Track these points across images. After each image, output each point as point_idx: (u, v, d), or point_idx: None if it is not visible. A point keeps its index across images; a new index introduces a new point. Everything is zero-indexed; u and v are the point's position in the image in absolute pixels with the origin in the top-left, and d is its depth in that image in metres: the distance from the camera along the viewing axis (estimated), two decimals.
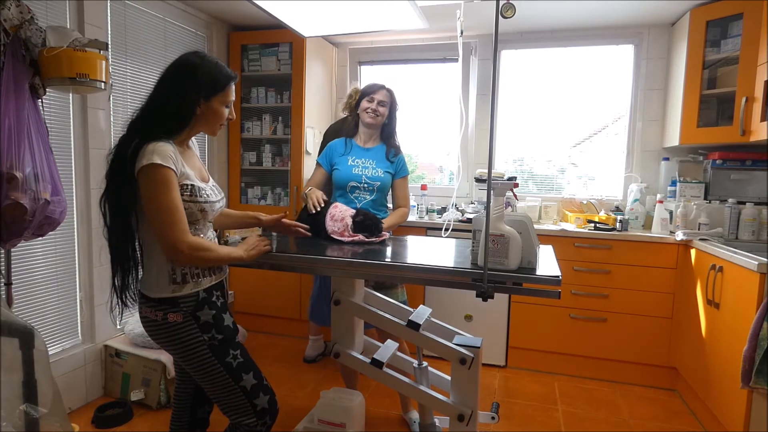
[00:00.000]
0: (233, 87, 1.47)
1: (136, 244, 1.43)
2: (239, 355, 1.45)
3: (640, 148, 3.26)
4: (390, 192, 2.39)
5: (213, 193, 1.48)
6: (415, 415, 2.35)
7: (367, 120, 2.28)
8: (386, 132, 2.35)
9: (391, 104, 2.31)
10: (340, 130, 2.60)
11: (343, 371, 2.34)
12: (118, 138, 1.39)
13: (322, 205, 2.04)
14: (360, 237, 1.92)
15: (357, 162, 2.29)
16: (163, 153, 1.30)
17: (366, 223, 1.93)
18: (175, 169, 1.33)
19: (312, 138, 3.40)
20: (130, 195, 1.33)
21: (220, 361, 1.41)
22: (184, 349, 1.39)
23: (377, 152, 2.33)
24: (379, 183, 2.27)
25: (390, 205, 2.44)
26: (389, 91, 2.30)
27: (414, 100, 3.67)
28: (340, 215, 1.97)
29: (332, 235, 1.94)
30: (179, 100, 1.37)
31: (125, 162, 1.32)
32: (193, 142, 1.56)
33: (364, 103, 2.27)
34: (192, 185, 1.39)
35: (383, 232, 1.98)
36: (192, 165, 1.45)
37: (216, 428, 1.71)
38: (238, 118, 3.46)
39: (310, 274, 3.00)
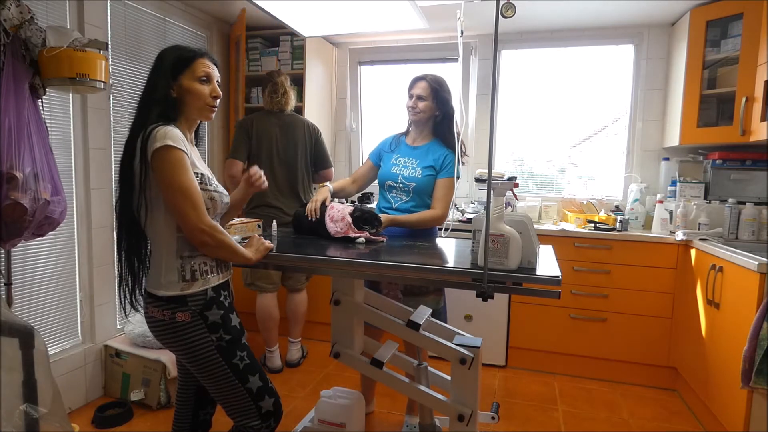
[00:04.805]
0: (203, 62, 1.41)
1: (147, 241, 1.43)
2: (246, 356, 1.44)
3: (640, 148, 3.26)
4: None
5: (221, 187, 1.49)
6: (414, 420, 2.32)
7: (410, 117, 2.16)
8: (440, 129, 2.12)
9: (435, 96, 2.07)
10: None
11: (363, 379, 2.35)
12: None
13: (319, 215, 1.98)
14: (366, 234, 1.88)
15: (399, 161, 2.14)
16: (174, 136, 1.31)
17: (364, 216, 1.91)
18: (186, 151, 1.33)
19: None
20: (138, 183, 1.32)
21: (227, 363, 1.40)
22: (191, 349, 1.38)
23: (425, 151, 2.13)
24: (414, 184, 2.07)
25: None
26: (429, 81, 2.07)
27: None
28: (339, 215, 1.93)
29: (336, 236, 1.91)
30: (151, 86, 1.39)
31: (134, 148, 1.33)
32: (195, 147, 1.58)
33: (407, 101, 2.14)
34: (202, 173, 1.39)
35: (382, 234, 1.96)
36: (197, 159, 1.45)
37: (217, 428, 1.71)
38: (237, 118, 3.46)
39: (310, 273, 3.00)
